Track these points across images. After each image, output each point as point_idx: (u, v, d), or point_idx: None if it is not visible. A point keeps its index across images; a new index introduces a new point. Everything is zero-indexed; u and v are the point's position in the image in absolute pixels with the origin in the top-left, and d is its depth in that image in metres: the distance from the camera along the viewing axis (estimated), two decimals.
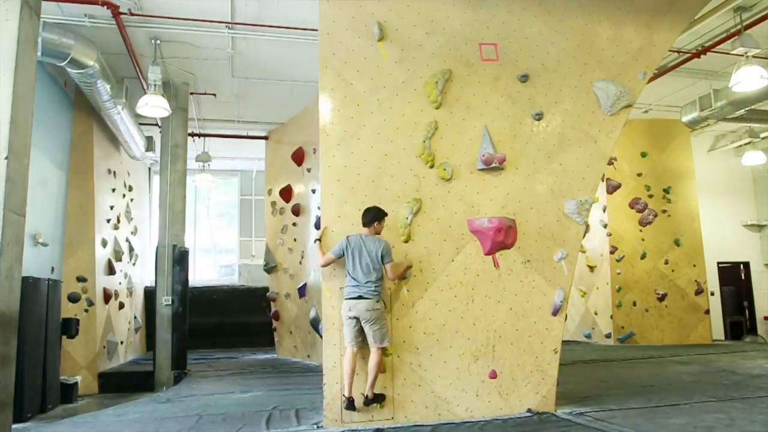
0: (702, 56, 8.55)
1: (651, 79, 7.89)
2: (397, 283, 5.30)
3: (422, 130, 5.53)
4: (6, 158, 4.83)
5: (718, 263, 13.30)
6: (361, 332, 5.03)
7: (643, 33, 6.22)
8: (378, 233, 5.20)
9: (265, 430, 5.15)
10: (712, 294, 12.52)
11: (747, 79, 7.76)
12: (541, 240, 5.69)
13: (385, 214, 5.23)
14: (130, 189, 11.79)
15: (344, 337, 5.05)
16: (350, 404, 4.94)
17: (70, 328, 7.89)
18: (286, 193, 11.21)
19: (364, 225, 5.18)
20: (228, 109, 10.75)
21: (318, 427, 5.08)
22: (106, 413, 6.66)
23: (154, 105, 7.90)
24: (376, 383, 5.00)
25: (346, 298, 5.05)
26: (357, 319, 4.98)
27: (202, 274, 14.90)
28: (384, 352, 5.08)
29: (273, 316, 12.05)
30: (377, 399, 5.04)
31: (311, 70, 6.68)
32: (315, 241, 5.42)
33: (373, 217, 5.17)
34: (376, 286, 5.02)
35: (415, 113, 5.56)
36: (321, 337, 5.60)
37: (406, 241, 5.36)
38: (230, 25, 7.46)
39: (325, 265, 5.24)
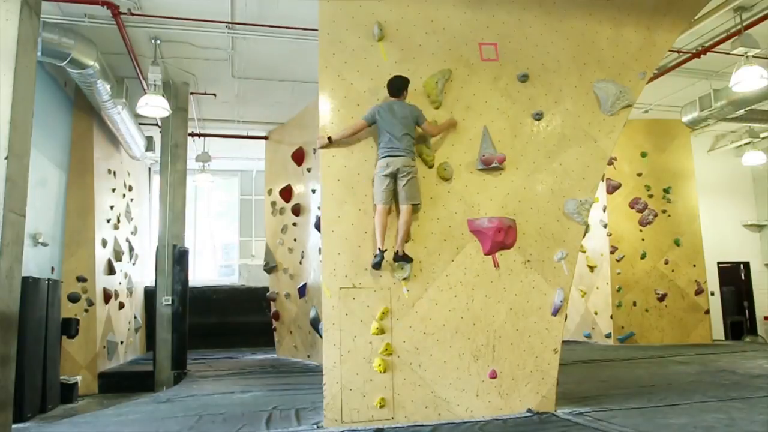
0: (702, 56, 8.55)
1: (651, 79, 7.89)
2: (398, 282, 5.30)
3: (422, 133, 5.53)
4: (6, 158, 4.83)
5: (718, 263, 13.30)
6: (392, 191, 5.20)
7: (643, 33, 6.22)
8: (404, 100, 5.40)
9: (265, 430, 5.15)
10: (712, 294, 12.53)
11: (747, 79, 7.76)
12: (541, 240, 5.69)
13: (409, 82, 5.39)
14: (130, 189, 11.79)
15: (376, 195, 5.23)
16: (381, 259, 5.14)
17: (70, 328, 7.89)
18: (286, 193, 11.21)
19: (392, 95, 5.36)
20: (228, 109, 10.75)
21: (318, 427, 5.08)
22: (106, 413, 6.66)
23: (154, 105, 7.90)
24: (405, 241, 5.24)
25: (383, 156, 5.20)
26: (391, 177, 5.15)
27: (202, 274, 14.90)
28: (414, 208, 5.29)
29: (273, 316, 12.05)
30: (406, 258, 5.23)
31: (311, 70, 6.68)
32: (330, 139, 5.33)
33: (401, 85, 5.36)
34: (410, 144, 5.24)
35: None
36: (321, 337, 5.60)
37: (407, 241, 5.36)
38: (230, 24, 7.46)
39: (355, 132, 5.32)
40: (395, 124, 5.20)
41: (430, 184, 5.50)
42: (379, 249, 5.15)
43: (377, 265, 5.16)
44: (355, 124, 5.33)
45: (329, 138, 5.32)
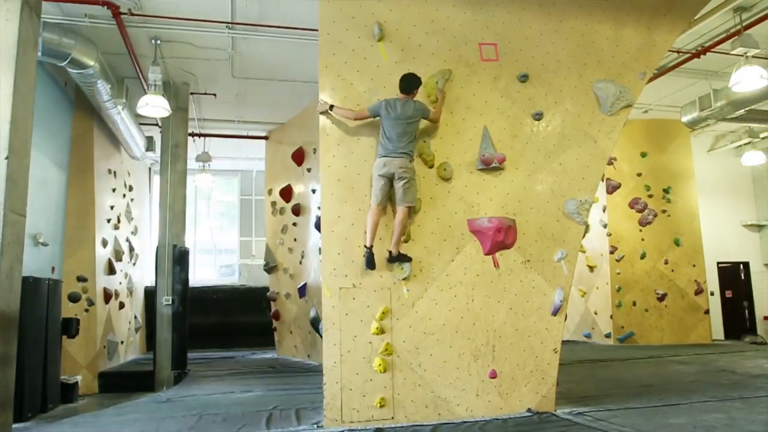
0: (702, 56, 8.55)
1: (651, 79, 7.89)
2: (398, 282, 5.30)
3: (422, 130, 5.53)
4: (6, 158, 4.84)
5: (718, 263, 13.31)
6: (387, 192, 5.20)
7: (643, 33, 6.22)
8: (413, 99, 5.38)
9: (265, 430, 5.16)
10: (712, 294, 12.53)
11: (747, 79, 7.76)
12: (541, 240, 5.70)
13: (421, 83, 5.38)
14: (131, 189, 11.78)
15: (372, 195, 5.22)
16: (370, 257, 5.15)
17: (70, 327, 7.88)
18: (286, 193, 11.22)
19: (403, 91, 5.32)
20: (228, 109, 10.75)
21: (318, 427, 5.09)
22: (107, 413, 6.66)
23: (155, 105, 7.90)
24: (400, 242, 5.23)
25: (381, 156, 5.19)
26: (387, 177, 5.14)
27: (202, 274, 14.89)
28: (411, 210, 5.27)
29: (273, 316, 12.06)
30: (401, 258, 5.23)
31: (311, 70, 6.68)
32: (331, 107, 5.37)
33: (414, 83, 5.33)
34: (411, 146, 5.22)
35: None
36: (321, 336, 5.60)
37: (406, 241, 5.36)
38: (230, 25, 7.45)
39: (357, 119, 5.33)
40: (398, 123, 5.18)
41: (430, 184, 5.51)
42: (366, 246, 5.17)
43: (368, 263, 5.16)
44: (358, 112, 5.34)
45: (331, 106, 5.36)
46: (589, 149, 5.92)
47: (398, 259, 5.23)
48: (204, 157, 11.89)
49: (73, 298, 8.73)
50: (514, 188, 5.70)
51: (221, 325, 14.03)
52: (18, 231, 5.05)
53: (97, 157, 9.59)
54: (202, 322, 12.46)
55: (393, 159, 5.14)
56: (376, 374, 5.14)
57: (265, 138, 12.27)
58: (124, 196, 11.30)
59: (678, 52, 8.56)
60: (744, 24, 7.62)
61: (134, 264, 11.89)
